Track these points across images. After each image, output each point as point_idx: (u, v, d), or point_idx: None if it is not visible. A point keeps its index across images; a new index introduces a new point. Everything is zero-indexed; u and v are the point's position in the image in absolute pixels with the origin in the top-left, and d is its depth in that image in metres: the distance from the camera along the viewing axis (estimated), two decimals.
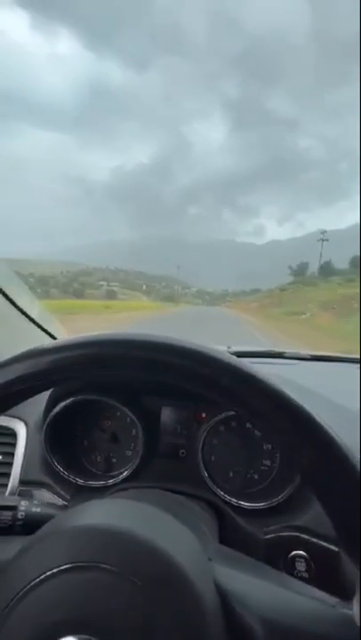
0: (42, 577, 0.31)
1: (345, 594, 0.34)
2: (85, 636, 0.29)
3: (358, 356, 1.29)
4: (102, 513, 0.37)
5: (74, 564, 0.31)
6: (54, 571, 0.31)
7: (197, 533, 0.38)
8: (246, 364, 0.33)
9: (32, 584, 0.31)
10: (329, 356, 1.33)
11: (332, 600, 0.35)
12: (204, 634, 0.30)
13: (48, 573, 0.31)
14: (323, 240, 70.25)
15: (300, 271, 74.76)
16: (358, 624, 0.30)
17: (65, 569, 0.31)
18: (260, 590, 0.35)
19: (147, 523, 0.36)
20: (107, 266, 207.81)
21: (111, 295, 75.51)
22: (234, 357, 0.34)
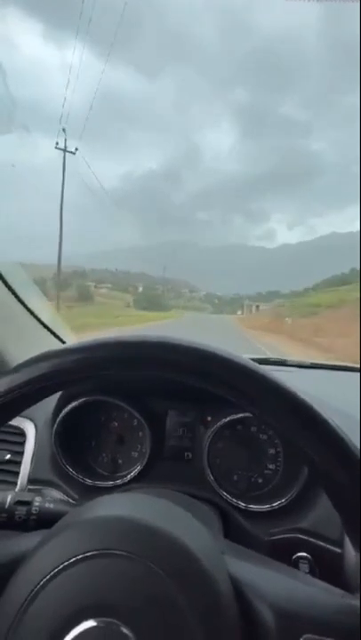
0: (62, 566, 0.32)
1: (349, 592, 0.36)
2: (106, 619, 0.31)
3: (358, 365, 1.30)
4: (119, 505, 0.38)
5: (92, 552, 0.33)
6: (74, 559, 0.33)
7: (209, 527, 0.40)
8: (260, 367, 0.35)
9: (53, 572, 0.32)
10: (330, 365, 1.35)
11: (339, 591, 0.36)
12: (219, 618, 0.32)
13: (68, 562, 0.32)
14: None
15: None
16: None
17: (84, 557, 0.33)
18: (271, 580, 0.36)
19: (162, 514, 0.37)
20: (106, 267, 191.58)
21: (85, 297, 55.86)
22: (247, 359, 0.35)
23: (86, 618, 0.31)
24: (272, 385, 0.34)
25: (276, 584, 0.36)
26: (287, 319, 31.38)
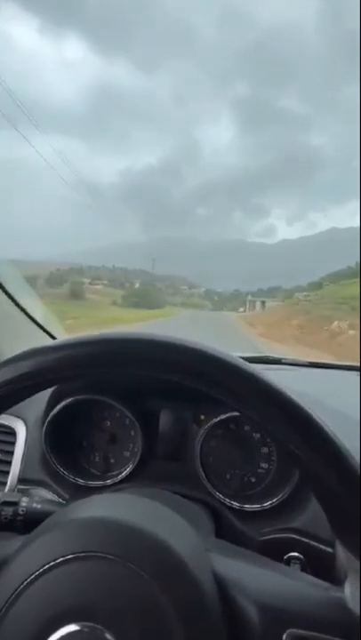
0: (44, 568, 0.32)
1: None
2: (88, 624, 0.30)
3: (357, 364, 1.27)
4: (102, 506, 0.38)
5: (75, 555, 0.32)
6: (56, 561, 0.32)
7: (195, 526, 0.39)
8: (250, 365, 0.35)
9: (34, 575, 0.32)
10: (327, 364, 1.33)
11: (324, 584, 0.36)
12: (203, 618, 0.31)
13: (50, 564, 0.32)
14: None
15: None
16: (349, 606, 0.32)
17: (66, 559, 0.32)
18: (255, 576, 0.36)
19: (146, 514, 0.37)
20: (103, 264, 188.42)
21: (75, 294, 52.21)
22: (237, 358, 0.35)
23: (68, 622, 0.30)
24: (261, 384, 0.34)
25: (260, 579, 0.35)
26: (338, 323, 18.83)
